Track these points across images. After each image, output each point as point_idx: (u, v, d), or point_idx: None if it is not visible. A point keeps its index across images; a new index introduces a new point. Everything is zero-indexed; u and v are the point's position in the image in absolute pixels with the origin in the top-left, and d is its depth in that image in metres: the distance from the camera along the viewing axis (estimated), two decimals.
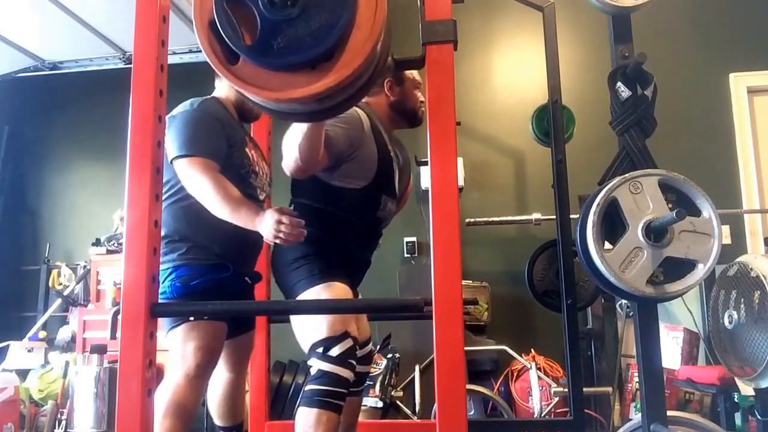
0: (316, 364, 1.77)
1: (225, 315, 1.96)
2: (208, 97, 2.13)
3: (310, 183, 1.92)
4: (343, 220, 1.95)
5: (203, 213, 1.96)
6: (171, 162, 1.94)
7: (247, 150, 2.12)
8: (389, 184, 2.05)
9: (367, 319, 2.57)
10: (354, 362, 1.79)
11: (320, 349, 1.77)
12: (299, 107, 1.32)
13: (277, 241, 1.75)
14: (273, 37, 1.17)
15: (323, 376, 1.74)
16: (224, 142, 2.01)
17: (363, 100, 2.00)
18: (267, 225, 1.75)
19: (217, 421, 2.21)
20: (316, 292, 1.83)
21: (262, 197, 2.18)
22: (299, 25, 1.17)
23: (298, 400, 1.81)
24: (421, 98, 2.12)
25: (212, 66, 1.21)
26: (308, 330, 1.82)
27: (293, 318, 1.91)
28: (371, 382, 3.36)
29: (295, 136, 1.70)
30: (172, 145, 1.93)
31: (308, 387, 1.77)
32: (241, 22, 1.19)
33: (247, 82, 1.20)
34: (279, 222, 1.73)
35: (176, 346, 1.93)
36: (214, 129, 2.00)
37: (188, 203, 1.99)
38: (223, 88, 2.17)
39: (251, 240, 2.10)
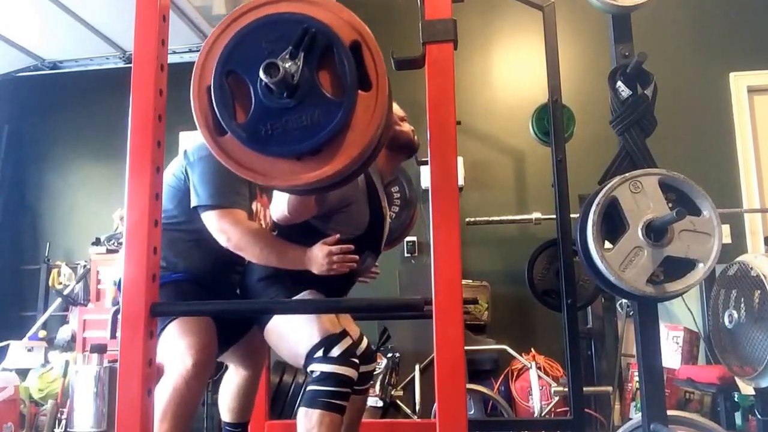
0: (317, 368, 1.72)
1: (225, 315, 1.95)
2: None
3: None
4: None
5: (199, 244, 1.96)
6: (198, 209, 1.91)
7: (253, 204, 2.10)
8: (375, 242, 2.03)
9: (368, 318, 2.58)
10: (356, 360, 1.76)
11: (320, 353, 1.73)
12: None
13: (331, 273, 1.79)
14: (263, 122, 1.16)
15: (327, 378, 1.70)
16: (247, 190, 2.00)
17: None
18: (317, 260, 1.80)
19: (225, 416, 2.18)
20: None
21: None
22: (291, 116, 1.15)
23: (299, 400, 1.79)
24: (411, 127, 2.11)
25: (199, 131, 1.20)
26: (297, 340, 1.78)
27: (272, 333, 1.87)
28: (371, 382, 3.36)
29: None
30: (200, 191, 1.91)
31: (310, 388, 1.73)
32: (237, 96, 1.17)
33: (231, 158, 1.19)
34: (330, 254, 1.78)
35: (169, 347, 1.88)
36: (239, 177, 1.99)
37: (184, 233, 1.99)
38: None
39: (240, 267, 2.08)
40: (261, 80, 1.14)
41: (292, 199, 1.70)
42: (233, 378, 2.17)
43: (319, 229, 1.91)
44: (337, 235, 1.84)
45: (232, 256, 1.90)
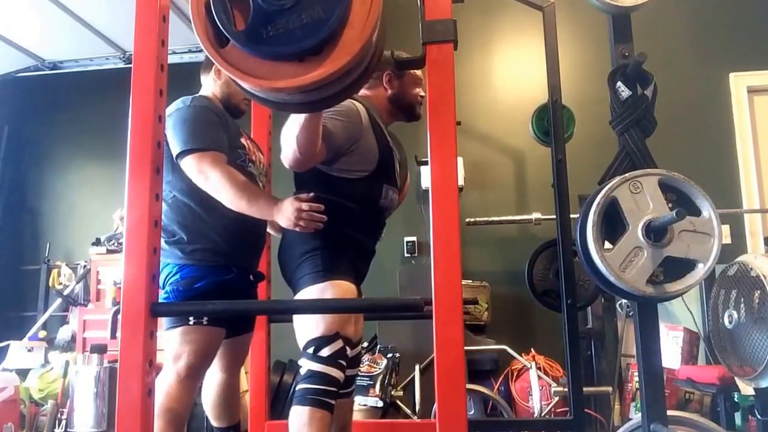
0: (306, 365, 1.77)
1: (225, 315, 1.96)
2: (197, 95, 2.13)
3: (313, 175, 1.91)
4: (347, 210, 1.92)
5: (208, 209, 1.95)
6: (177, 158, 1.92)
7: (242, 140, 2.13)
8: (390, 174, 2.05)
9: (367, 319, 2.58)
10: (344, 363, 1.79)
11: (311, 350, 1.77)
12: (287, 97, 1.33)
13: (297, 228, 1.77)
14: (264, 26, 1.18)
15: (313, 376, 1.75)
16: (225, 134, 2.01)
17: (361, 93, 2.00)
18: (286, 213, 1.78)
19: (214, 422, 2.22)
20: (320, 290, 1.82)
21: (260, 185, 2.18)
22: (291, 16, 1.18)
23: (292, 399, 1.81)
24: (421, 93, 2.12)
25: (202, 46, 1.22)
26: (305, 328, 1.82)
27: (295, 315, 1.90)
28: (371, 382, 3.37)
29: (293, 128, 1.69)
30: (175, 141, 1.93)
31: (300, 386, 1.77)
32: (235, 7, 1.20)
33: (234, 67, 1.21)
34: (299, 209, 1.76)
35: (171, 347, 1.93)
36: (214, 122, 2.01)
37: (192, 200, 1.99)
38: (209, 87, 2.18)
39: (256, 234, 2.11)
40: None
41: (300, 137, 1.68)
42: (211, 386, 2.19)
43: (330, 173, 1.91)
44: (312, 194, 1.83)
45: (244, 219, 1.89)
